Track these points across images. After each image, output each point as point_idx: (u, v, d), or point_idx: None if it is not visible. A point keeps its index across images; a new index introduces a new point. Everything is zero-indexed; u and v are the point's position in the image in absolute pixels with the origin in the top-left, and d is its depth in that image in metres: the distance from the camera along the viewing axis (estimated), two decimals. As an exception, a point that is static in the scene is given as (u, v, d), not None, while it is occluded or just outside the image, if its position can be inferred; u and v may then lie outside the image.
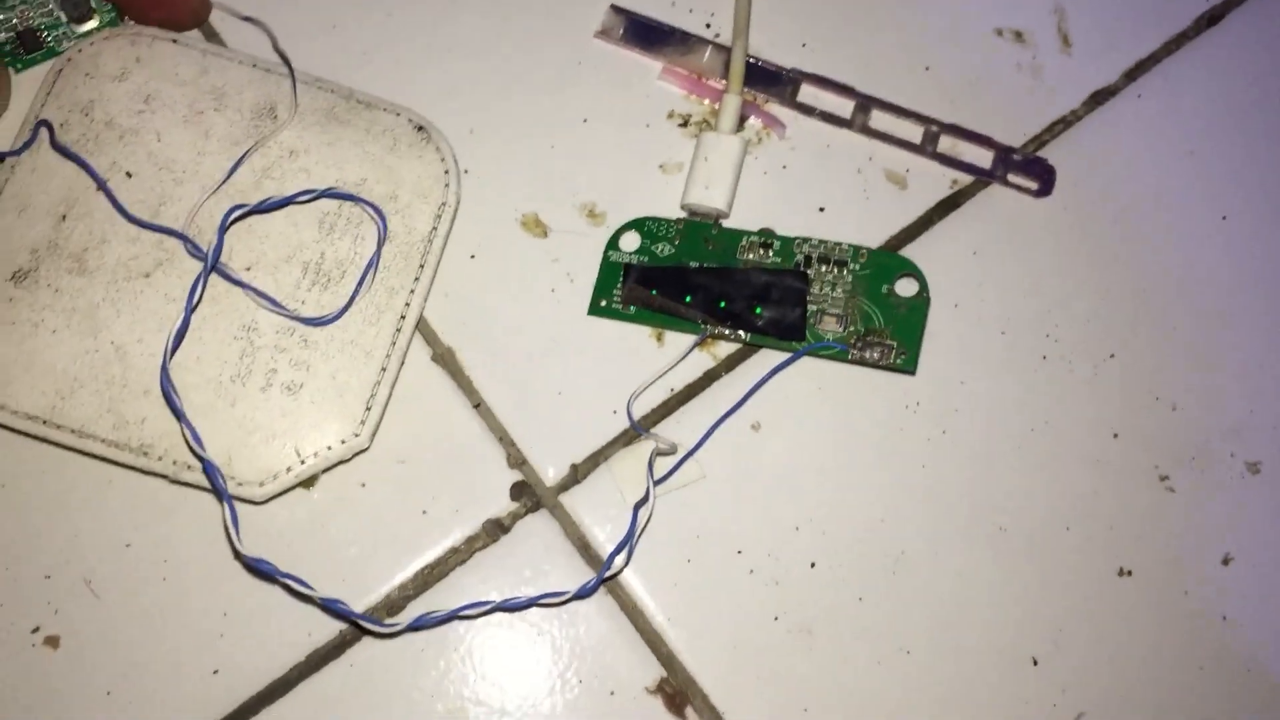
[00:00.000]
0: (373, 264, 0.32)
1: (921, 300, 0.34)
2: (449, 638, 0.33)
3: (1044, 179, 0.37)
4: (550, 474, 0.35)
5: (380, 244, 0.32)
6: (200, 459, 0.30)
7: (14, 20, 0.34)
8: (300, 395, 0.32)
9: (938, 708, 0.34)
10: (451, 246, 0.35)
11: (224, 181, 0.33)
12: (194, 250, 0.32)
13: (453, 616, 0.31)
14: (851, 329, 0.34)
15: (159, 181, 0.33)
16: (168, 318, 0.32)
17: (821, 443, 0.35)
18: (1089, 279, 0.37)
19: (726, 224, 0.36)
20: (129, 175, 0.33)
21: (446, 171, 0.34)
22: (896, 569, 0.35)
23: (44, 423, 0.31)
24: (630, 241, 0.36)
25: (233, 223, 0.32)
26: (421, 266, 0.33)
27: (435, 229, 0.34)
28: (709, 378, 0.36)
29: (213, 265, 0.31)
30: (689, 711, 0.33)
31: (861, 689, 0.34)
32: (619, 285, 0.35)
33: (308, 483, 0.33)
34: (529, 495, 0.34)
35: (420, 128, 0.34)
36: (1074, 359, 0.36)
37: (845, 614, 0.34)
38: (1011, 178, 0.37)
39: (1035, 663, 0.34)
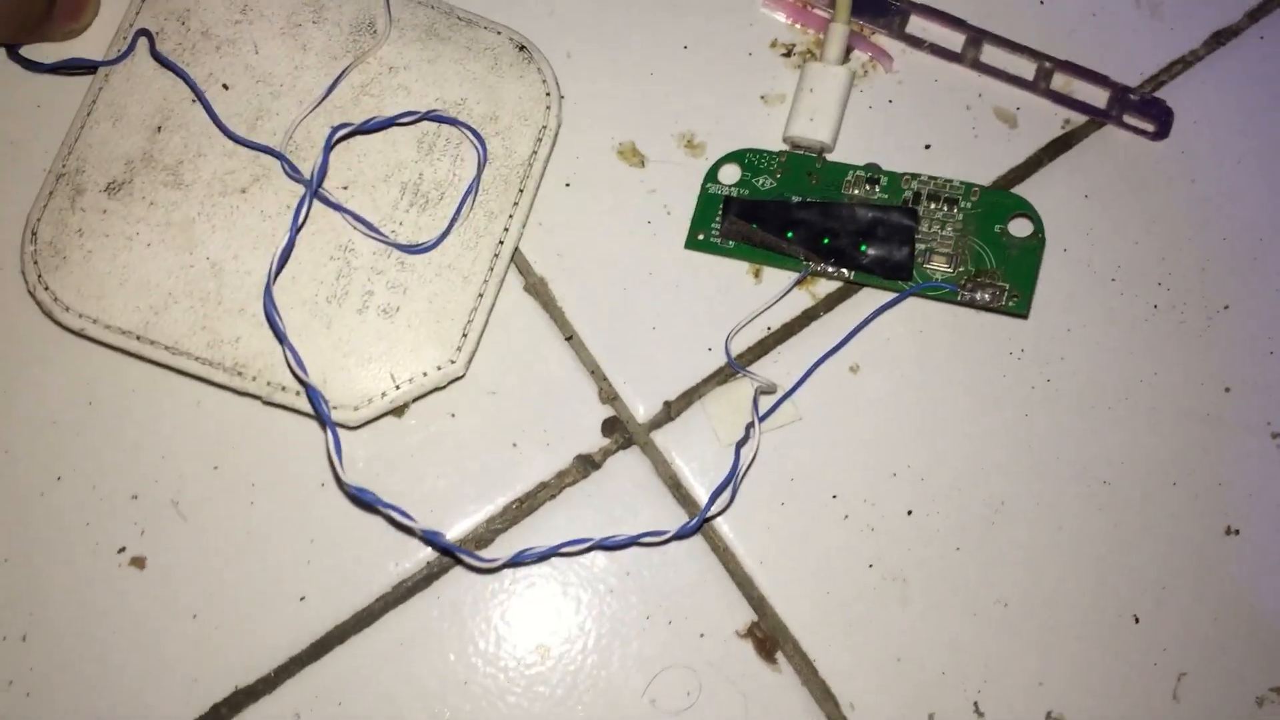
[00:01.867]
0: (472, 189, 0.32)
1: (1036, 241, 0.34)
2: (537, 574, 0.33)
3: (1161, 120, 0.36)
4: (642, 411, 0.34)
5: (480, 169, 0.32)
6: (304, 384, 0.30)
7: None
8: (396, 319, 0.32)
9: (1034, 663, 0.33)
10: (546, 174, 0.35)
11: (323, 99, 0.32)
12: (291, 171, 0.32)
13: (552, 553, 0.31)
14: (961, 269, 0.34)
15: (256, 95, 0.32)
16: (264, 235, 0.32)
17: (922, 387, 0.35)
18: (1205, 226, 0.36)
19: (830, 158, 0.35)
20: (225, 87, 0.32)
21: (548, 94, 0.33)
22: (995, 519, 0.34)
23: (137, 338, 0.31)
24: (730, 174, 0.35)
25: (337, 141, 0.32)
26: (521, 191, 0.33)
27: (535, 153, 0.33)
28: (807, 317, 0.35)
29: (317, 188, 0.31)
30: (779, 656, 0.33)
31: (956, 641, 0.33)
32: (717, 219, 0.35)
33: (398, 411, 0.33)
34: (620, 431, 0.34)
35: (522, 47, 0.33)
36: (1187, 309, 0.36)
37: (941, 564, 0.34)
38: (1127, 119, 0.36)
39: (1137, 620, 0.34)
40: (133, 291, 0.31)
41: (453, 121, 0.33)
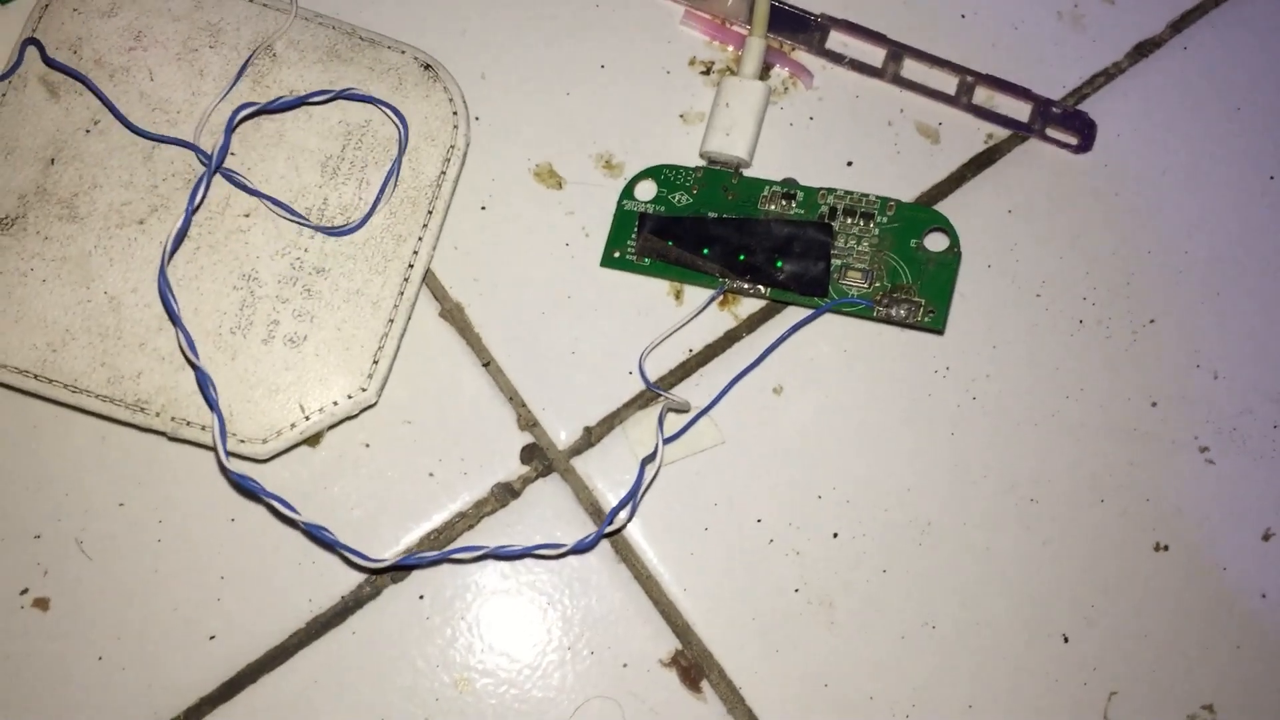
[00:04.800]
0: (394, 170, 0.32)
1: (952, 256, 0.34)
2: (456, 606, 0.33)
3: (1084, 133, 0.37)
4: (562, 436, 0.34)
5: (401, 149, 0.32)
6: (193, 365, 0.30)
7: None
8: (304, 348, 0.32)
9: (964, 684, 0.34)
10: (462, 197, 0.35)
11: (225, 94, 0.32)
12: (203, 158, 0.32)
13: (444, 558, 0.31)
14: (877, 285, 0.34)
15: (153, 123, 0.32)
16: (167, 236, 0.31)
17: (846, 408, 0.35)
18: (1130, 240, 0.37)
19: (748, 174, 0.36)
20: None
21: (455, 113, 0.34)
22: (922, 540, 0.34)
23: (35, 377, 0.31)
24: (646, 190, 0.36)
25: (240, 121, 0.31)
26: (430, 213, 0.33)
27: (444, 173, 0.33)
28: (729, 338, 0.35)
29: (218, 165, 0.31)
30: (704, 685, 0.33)
31: (884, 663, 0.34)
32: (634, 236, 0.35)
33: (312, 440, 0.33)
34: (540, 458, 0.34)
35: (427, 66, 0.34)
36: (1112, 324, 0.36)
37: (868, 586, 0.34)
38: (1050, 132, 0.37)
39: (1066, 639, 0.34)
40: (29, 329, 0.31)
41: (367, 99, 0.33)
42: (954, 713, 0.33)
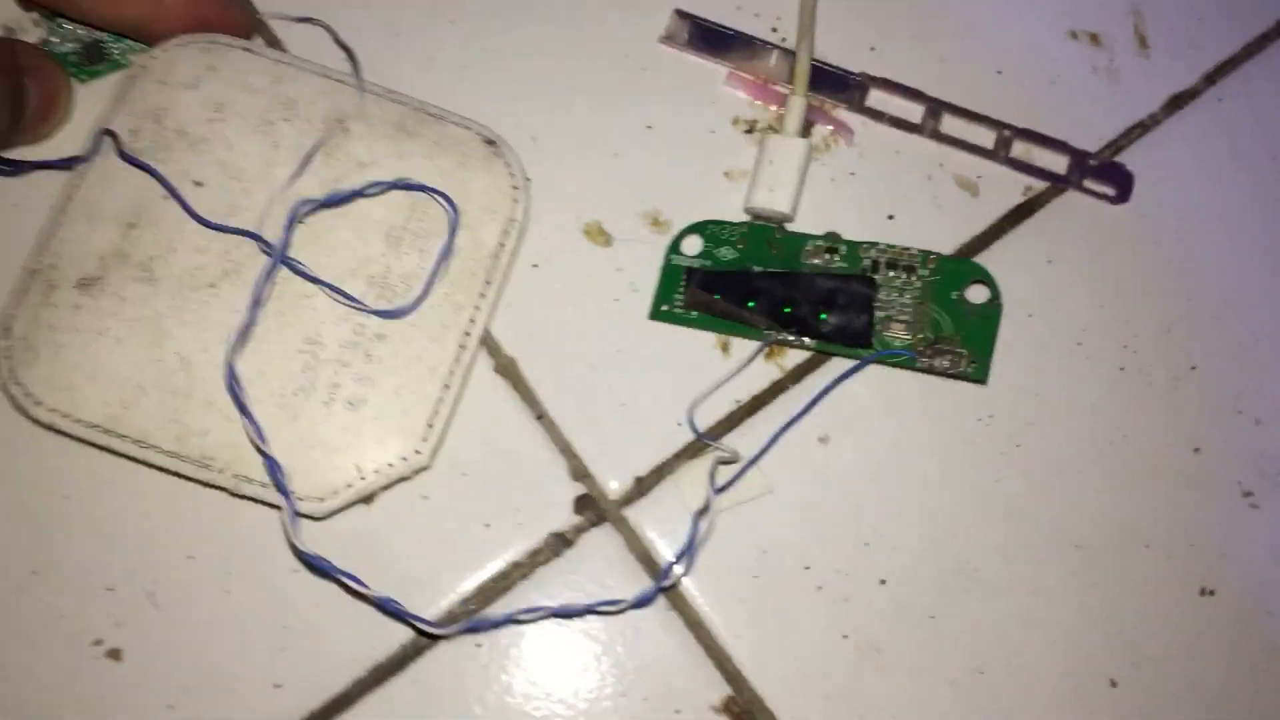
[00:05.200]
0: (445, 252, 0.33)
1: (993, 307, 0.35)
2: (512, 654, 0.34)
3: (1122, 185, 0.38)
4: (614, 487, 0.35)
5: (453, 231, 0.33)
6: (262, 453, 0.31)
7: (80, 32, 0.36)
8: (363, 410, 0.33)
9: (1013, 730, 0.34)
10: (517, 256, 0.36)
11: (293, 180, 0.34)
12: (265, 247, 0.33)
13: (509, 620, 0.32)
14: (920, 336, 0.35)
15: (228, 190, 0.34)
16: (231, 328, 0.33)
17: (891, 456, 0.36)
18: (1169, 288, 0.38)
19: (791, 228, 0.37)
20: (198, 184, 0.34)
21: (515, 187, 0.35)
22: (969, 586, 0.35)
23: (106, 432, 0.33)
24: (692, 245, 0.37)
25: (304, 216, 0.33)
26: (488, 283, 0.34)
27: (503, 245, 0.35)
28: (775, 389, 0.36)
29: (281, 258, 0.32)
30: (756, 731, 0.34)
31: (933, 710, 0.34)
32: (681, 290, 0.36)
33: (368, 499, 0.34)
34: (592, 508, 0.35)
35: (490, 141, 0.35)
36: (1153, 371, 0.37)
37: (916, 632, 0.35)
38: (1088, 184, 0.38)
39: (1114, 684, 0.35)
40: (103, 386, 0.33)
41: (420, 188, 0.34)
42: (1004, 758, 0.34)
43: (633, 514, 0.35)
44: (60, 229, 0.34)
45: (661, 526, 0.35)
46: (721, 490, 0.34)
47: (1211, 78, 0.39)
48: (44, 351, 0.33)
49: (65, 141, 0.36)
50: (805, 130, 0.37)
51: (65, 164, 0.35)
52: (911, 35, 0.39)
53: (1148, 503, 0.36)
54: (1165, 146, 0.39)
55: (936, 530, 0.35)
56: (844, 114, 0.38)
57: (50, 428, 0.33)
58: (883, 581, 0.35)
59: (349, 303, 0.33)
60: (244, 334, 0.32)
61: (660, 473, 0.36)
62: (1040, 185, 0.38)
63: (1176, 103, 0.39)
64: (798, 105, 0.37)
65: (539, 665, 0.34)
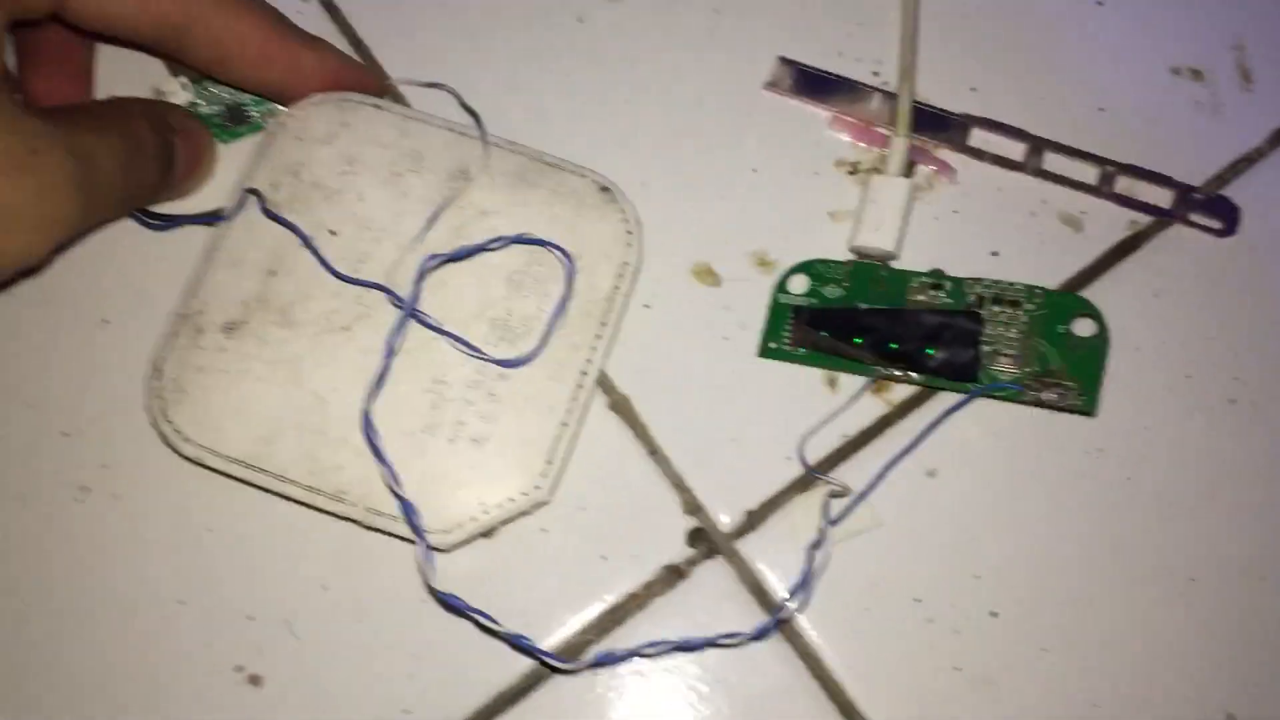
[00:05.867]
0: (562, 304, 0.35)
1: (1100, 340, 0.36)
2: (629, 684, 0.35)
3: (1228, 218, 0.38)
4: (725, 520, 0.37)
5: (569, 283, 0.35)
6: (398, 498, 0.33)
7: (224, 95, 0.39)
8: (486, 448, 0.35)
9: (1129, 763, 0.34)
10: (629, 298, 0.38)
11: (420, 234, 0.36)
12: (395, 300, 0.35)
13: (633, 654, 0.34)
14: (1027, 370, 0.36)
15: (360, 239, 0.36)
16: (364, 369, 0.35)
17: (1000, 489, 0.37)
18: (1278, 319, 0.38)
19: (896, 265, 0.38)
20: (333, 233, 0.36)
21: (629, 232, 0.37)
22: (1082, 619, 0.36)
23: (248, 467, 0.35)
24: (799, 284, 0.38)
25: (430, 271, 0.35)
26: (603, 325, 0.36)
27: (618, 288, 0.36)
28: (883, 423, 0.37)
29: (410, 311, 0.35)
30: (870, 761, 0.35)
31: (1048, 742, 0.35)
32: (788, 327, 0.37)
33: (489, 532, 0.36)
34: (705, 541, 0.37)
35: (605, 189, 0.37)
36: (1264, 403, 0.37)
37: (1029, 665, 0.35)
38: (1193, 217, 0.38)
39: (1232, 718, 0.35)
40: (245, 423, 0.35)
41: (537, 242, 0.36)
42: (1120, 792, 0.34)
43: (744, 547, 0.36)
44: (206, 277, 0.36)
45: (772, 559, 0.36)
46: (834, 523, 0.35)
47: (1318, 110, 0.40)
48: (192, 391, 0.35)
49: (207, 197, 0.39)
50: (908, 170, 0.38)
51: (210, 219, 0.37)
52: (1012, 75, 0.40)
53: (1262, 535, 0.36)
54: (1271, 179, 0.39)
55: (1047, 563, 0.36)
56: (946, 154, 0.39)
57: (197, 463, 0.35)
58: (994, 614, 0.36)
59: (472, 353, 0.35)
60: (379, 383, 0.34)
61: (771, 506, 0.37)
62: (1145, 220, 0.39)
63: (1282, 135, 0.39)
64: (900, 146, 0.38)
65: (656, 697, 0.35)
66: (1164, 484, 0.36)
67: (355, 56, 0.40)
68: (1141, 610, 0.35)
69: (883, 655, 0.35)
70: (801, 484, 0.37)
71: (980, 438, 0.37)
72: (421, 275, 0.35)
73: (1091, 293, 0.38)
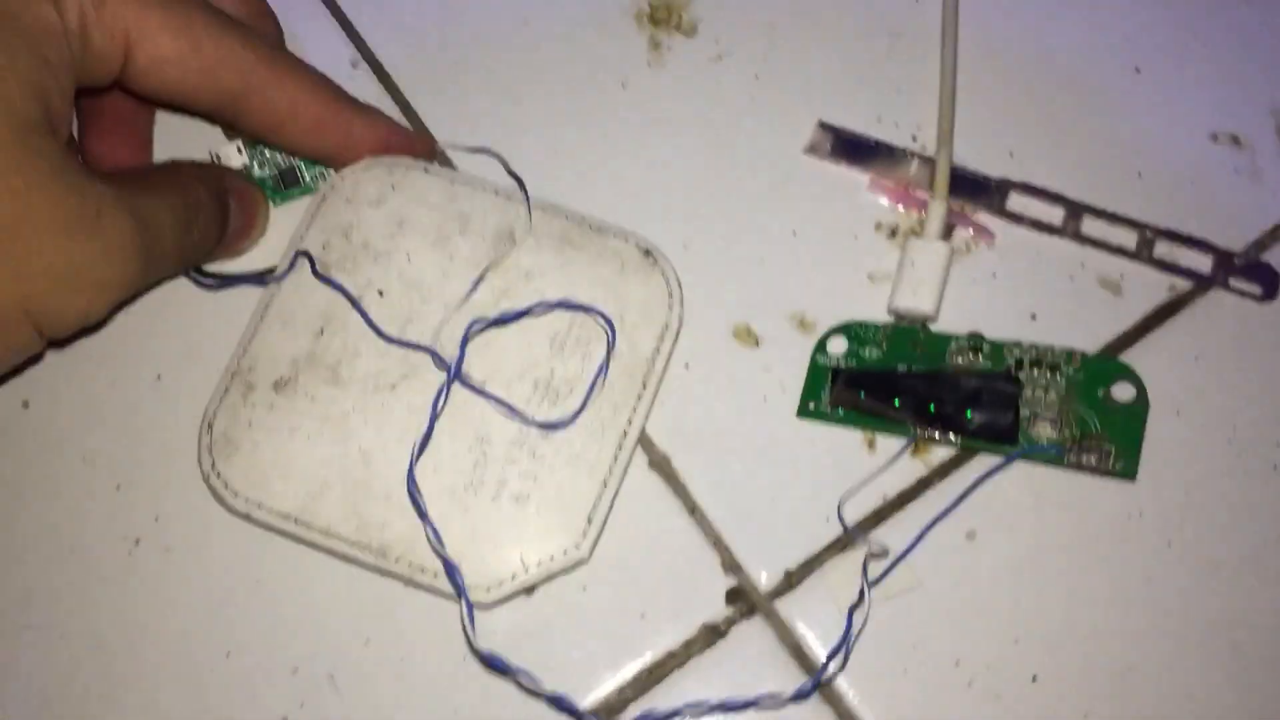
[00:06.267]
0: (603, 369, 0.36)
1: (1140, 405, 0.36)
2: (667, 741, 0.36)
3: (1268, 282, 0.39)
4: (764, 579, 0.37)
5: (610, 349, 0.36)
6: (441, 558, 0.34)
7: (279, 159, 0.40)
8: (527, 506, 0.36)
9: (1173, 833, 0.34)
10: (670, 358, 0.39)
11: (466, 296, 0.37)
12: (439, 362, 0.36)
13: (672, 715, 0.34)
14: (1067, 433, 0.36)
15: (407, 299, 0.37)
16: (409, 427, 0.36)
17: (1039, 553, 0.37)
18: (1321, 384, 0.38)
19: (934, 329, 0.39)
20: (380, 294, 0.37)
21: (670, 294, 0.38)
22: (1124, 685, 0.36)
23: (295, 521, 0.36)
24: (838, 345, 0.39)
25: (474, 335, 0.36)
26: (644, 385, 0.37)
27: (659, 349, 0.37)
28: (922, 485, 0.38)
29: (455, 375, 0.36)
30: (909, 827, 0.35)
31: (1090, 810, 0.35)
32: (827, 388, 0.38)
33: (529, 590, 0.36)
34: (743, 601, 0.37)
35: (647, 252, 0.38)
36: (1308, 468, 0.37)
37: (1070, 731, 0.35)
38: (1233, 282, 0.39)
39: (1279, 790, 0.35)
40: (293, 479, 0.36)
41: (580, 308, 0.37)
42: None
43: (783, 606, 0.37)
44: (258, 335, 0.37)
45: (811, 619, 0.36)
46: (874, 584, 0.35)
47: (1358, 175, 0.40)
48: (243, 446, 0.36)
49: (258, 256, 0.40)
50: (946, 233, 0.39)
51: (261, 279, 0.38)
52: (1050, 140, 0.41)
53: (1309, 602, 0.36)
54: (1313, 244, 0.39)
55: (1088, 627, 0.36)
56: (985, 218, 0.40)
57: (245, 517, 0.36)
58: (1034, 678, 0.36)
59: (516, 417, 0.36)
60: (423, 445, 0.35)
61: (809, 567, 0.37)
62: (1184, 285, 0.39)
63: (1322, 200, 0.40)
64: (939, 210, 0.39)
65: (693, 753, 0.35)
66: (1206, 550, 0.36)
67: (404, 121, 0.41)
68: (1184, 678, 0.35)
69: (922, 717, 0.35)
70: (840, 544, 0.37)
71: (1019, 500, 0.37)
72: (466, 339, 0.36)
73: (1131, 356, 0.38)
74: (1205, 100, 0.41)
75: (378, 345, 0.37)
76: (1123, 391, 0.36)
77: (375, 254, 0.38)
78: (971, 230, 0.40)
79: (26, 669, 0.37)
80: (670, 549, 0.37)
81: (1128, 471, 0.35)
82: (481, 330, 0.37)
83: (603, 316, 0.37)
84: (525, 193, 0.39)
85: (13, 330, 0.31)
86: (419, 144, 0.40)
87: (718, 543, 0.37)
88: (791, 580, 0.37)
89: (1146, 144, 0.41)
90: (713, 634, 0.37)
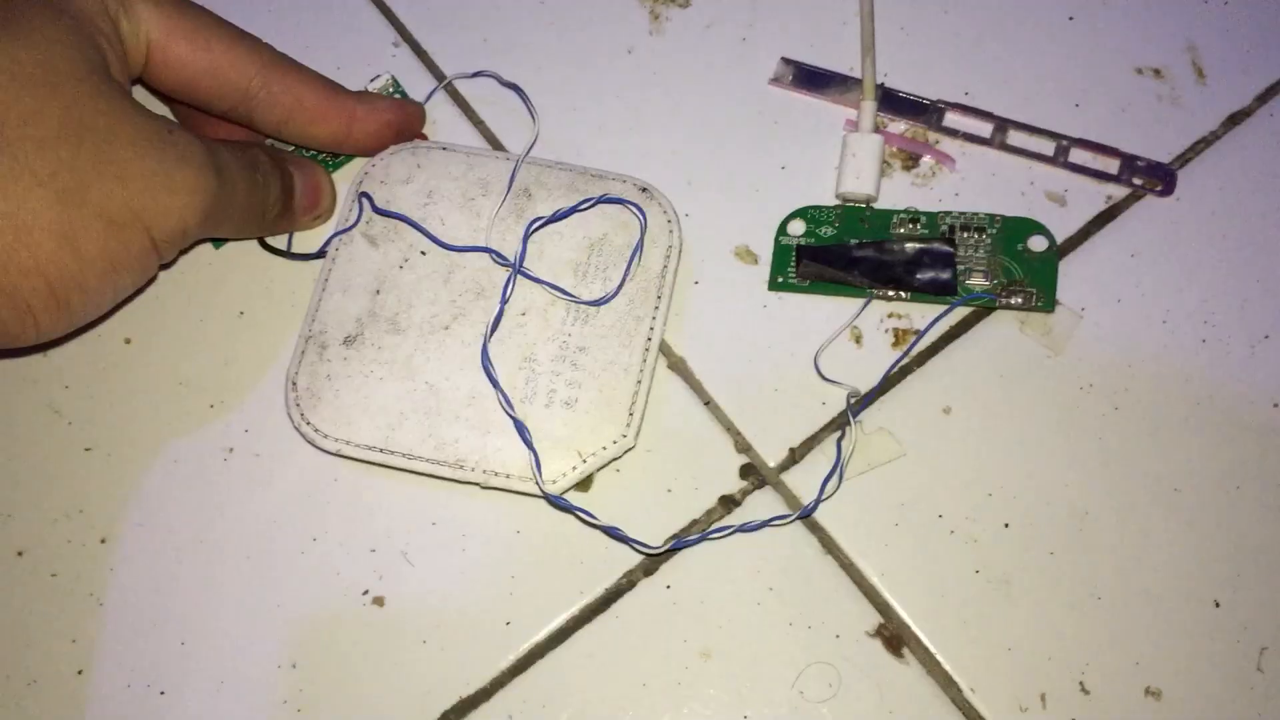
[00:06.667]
0: (638, 247, 0.43)
1: (1052, 253, 0.43)
2: (695, 593, 0.42)
3: (1167, 179, 0.45)
4: (771, 457, 0.44)
5: (642, 233, 0.43)
6: (511, 417, 0.41)
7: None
8: (576, 408, 0.42)
9: (1131, 645, 0.40)
10: (682, 276, 0.45)
11: (505, 198, 0.44)
12: (499, 259, 0.43)
13: (702, 538, 0.41)
14: (996, 282, 0.43)
15: (446, 255, 0.44)
16: (466, 358, 0.42)
17: (1006, 421, 0.43)
18: (1240, 270, 0.44)
19: (877, 207, 0.46)
20: (423, 254, 0.44)
21: (669, 220, 0.44)
22: (1082, 527, 0.42)
23: (381, 451, 0.42)
24: (796, 227, 0.46)
25: (533, 230, 0.43)
26: (659, 298, 0.43)
27: (666, 267, 0.44)
28: (903, 372, 0.44)
29: (519, 267, 0.43)
30: (905, 651, 0.41)
31: (1059, 630, 0.41)
32: (792, 264, 0.45)
33: (583, 485, 0.42)
34: (754, 475, 0.43)
35: (644, 188, 0.45)
36: (1231, 341, 0.44)
37: (1038, 567, 0.42)
38: (1136, 180, 0.45)
39: (1217, 605, 0.41)
40: (373, 416, 0.42)
41: (619, 200, 0.44)
42: (1123, 669, 0.40)
43: (789, 478, 0.43)
44: (323, 302, 0.44)
45: (814, 487, 0.43)
46: (856, 414, 0.42)
47: (1263, 98, 0.47)
48: (325, 396, 0.43)
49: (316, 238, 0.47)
50: (876, 128, 0.46)
51: (317, 256, 0.46)
52: (998, 81, 0.48)
53: (1234, 452, 0.42)
54: (1227, 156, 0.46)
55: (1050, 481, 0.42)
56: (946, 147, 0.47)
57: (337, 454, 0.43)
58: (1006, 525, 0.42)
59: (570, 297, 0.43)
60: (495, 326, 0.42)
61: (810, 444, 0.43)
62: (1120, 194, 0.46)
63: (1233, 120, 0.47)
64: (869, 108, 0.46)
65: (718, 601, 0.42)
66: (1146, 411, 0.43)
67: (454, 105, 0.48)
68: (1133, 517, 0.41)
69: (912, 562, 0.41)
70: (835, 424, 0.44)
71: (987, 379, 0.43)
72: (527, 235, 0.43)
73: (1077, 257, 0.45)
74: (1130, 39, 0.48)
75: (427, 295, 0.44)
76: (1037, 243, 0.44)
77: (413, 220, 0.45)
78: (934, 158, 0.47)
79: (144, 562, 0.43)
80: (690, 435, 0.44)
81: (1047, 306, 0.43)
82: (540, 226, 0.43)
83: (634, 206, 0.44)
84: (535, 122, 0.45)
85: (130, 234, 0.36)
86: (415, 113, 0.47)
87: (730, 428, 0.44)
88: (795, 456, 0.43)
89: (1082, 79, 0.48)
90: (729, 503, 0.43)
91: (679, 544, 0.41)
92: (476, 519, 0.43)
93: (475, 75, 0.48)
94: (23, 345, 0.36)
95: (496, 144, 0.48)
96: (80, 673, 0.42)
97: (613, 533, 0.40)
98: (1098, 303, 0.44)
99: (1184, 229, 0.45)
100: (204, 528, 0.43)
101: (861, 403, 0.44)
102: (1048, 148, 0.46)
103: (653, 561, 0.42)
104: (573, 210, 0.43)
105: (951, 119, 0.47)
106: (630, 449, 0.42)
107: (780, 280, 0.45)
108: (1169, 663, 0.40)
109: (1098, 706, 0.40)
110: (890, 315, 0.45)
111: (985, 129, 0.47)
